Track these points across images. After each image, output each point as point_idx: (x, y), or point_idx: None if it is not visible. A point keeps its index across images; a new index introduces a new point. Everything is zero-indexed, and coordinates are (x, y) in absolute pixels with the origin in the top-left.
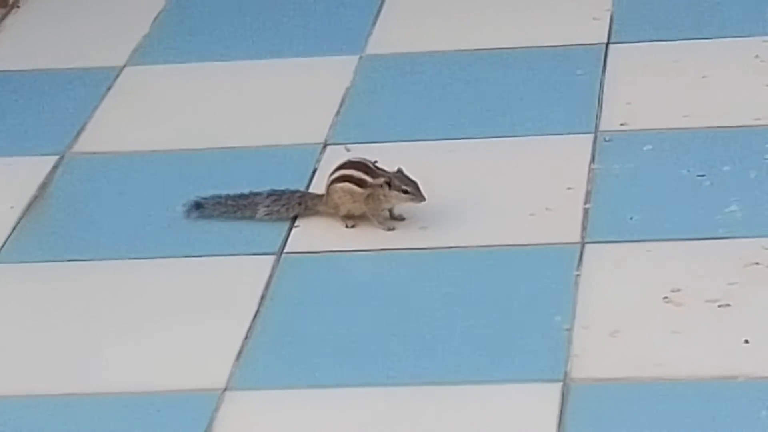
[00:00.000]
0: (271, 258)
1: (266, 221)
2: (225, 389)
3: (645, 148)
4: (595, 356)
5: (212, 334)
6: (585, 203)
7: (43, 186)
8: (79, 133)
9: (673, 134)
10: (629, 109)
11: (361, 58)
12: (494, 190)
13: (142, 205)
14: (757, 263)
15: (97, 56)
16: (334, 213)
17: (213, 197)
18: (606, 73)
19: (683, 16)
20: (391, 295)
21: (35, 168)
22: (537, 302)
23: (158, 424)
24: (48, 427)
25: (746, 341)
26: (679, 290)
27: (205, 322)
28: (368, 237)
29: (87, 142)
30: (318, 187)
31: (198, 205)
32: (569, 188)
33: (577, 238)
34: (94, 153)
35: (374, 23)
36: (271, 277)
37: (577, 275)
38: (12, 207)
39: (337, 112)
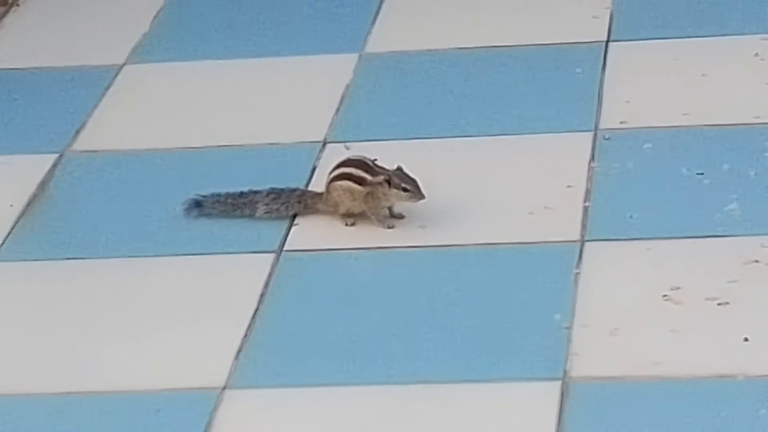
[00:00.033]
0: (271, 256)
1: (266, 219)
2: (224, 388)
3: (644, 147)
4: (595, 354)
5: (211, 333)
6: (584, 201)
7: (43, 184)
8: (78, 132)
9: (672, 132)
10: (629, 108)
11: (360, 56)
12: (494, 188)
13: (141, 204)
14: (757, 261)
15: (97, 55)
16: (333, 211)
17: (212, 195)
18: (605, 72)
19: (683, 14)
20: (390, 294)
21: (34, 166)
22: (536, 300)
23: (157, 422)
24: (46, 426)
25: (746, 339)
26: (678, 288)
27: (204, 321)
28: (368, 235)
29: (86, 141)
30: (317, 185)
31: (197, 204)
32: (569, 186)
33: (576, 236)
34: (94, 151)
35: (374, 21)
36: (270, 275)
37: (577, 273)
38: (11, 205)
39: (337, 111)
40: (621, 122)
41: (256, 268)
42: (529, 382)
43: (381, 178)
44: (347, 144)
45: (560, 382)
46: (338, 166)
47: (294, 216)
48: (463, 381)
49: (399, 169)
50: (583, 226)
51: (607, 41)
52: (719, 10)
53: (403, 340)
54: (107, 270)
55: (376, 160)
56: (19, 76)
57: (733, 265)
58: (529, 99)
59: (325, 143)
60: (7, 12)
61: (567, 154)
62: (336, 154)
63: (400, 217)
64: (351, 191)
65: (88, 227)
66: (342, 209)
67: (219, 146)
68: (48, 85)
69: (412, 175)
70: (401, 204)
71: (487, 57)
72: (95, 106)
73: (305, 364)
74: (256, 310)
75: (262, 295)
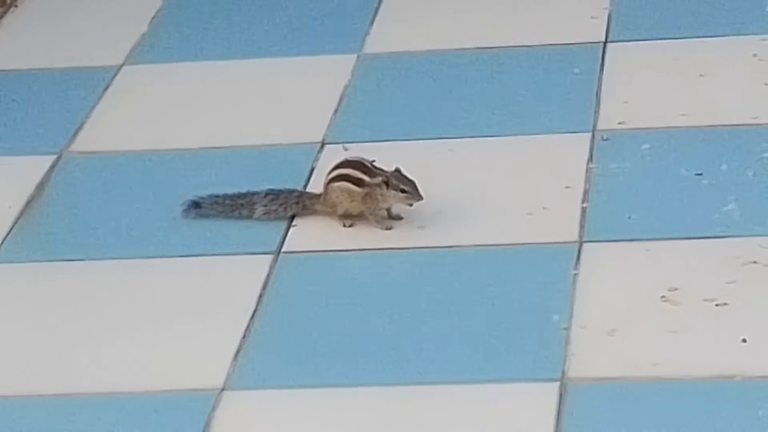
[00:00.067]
0: (269, 257)
1: (264, 220)
2: (223, 389)
3: (643, 147)
4: (593, 355)
5: (210, 334)
6: (583, 202)
7: (41, 185)
8: (76, 132)
9: (671, 133)
10: (627, 108)
11: (358, 57)
12: (492, 189)
13: (139, 205)
14: (755, 262)
15: (95, 55)
16: (331, 212)
17: (211, 196)
18: (604, 72)
19: (681, 15)
20: (388, 295)
21: (33, 167)
22: (535, 301)
23: (156, 423)
24: (46, 426)
25: (744, 340)
26: (676, 289)
27: (202, 322)
28: (366, 236)
29: (85, 142)
30: (316, 186)
31: (196, 205)
32: (567, 187)
33: (574, 237)
34: (92, 152)
35: (372, 22)
36: (268, 276)
37: (575, 274)
38: (10, 206)
39: (335, 111)
40: (619, 123)
41: (254, 269)
42: (528, 382)
43: (379, 179)
44: (346, 145)
45: (558, 382)
46: (336, 167)
47: (292, 217)
48: (461, 382)
49: (397, 170)
50: (582, 226)
51: (606, 42)
52: (718, 10)
53: (401, 341)
54: (105, 271)
55: (374, 161)
56: (18, 77)
57: (731, 266)
58: (527, 99)
59: (323, 144)
60: (5, 13)
61: (565, 155)
62: (334, 154)
63: (399, 218)
64: (349, 192)
65: (86, 228)
66: (340, 210)
67: (217, 147)
68: (46, 86)
69: (410, 177)
70: (399, 205)
71: (485, 58)
72: (93, 107)
73: (304, 365)
74: (255, 311)
75: (260, 296)
